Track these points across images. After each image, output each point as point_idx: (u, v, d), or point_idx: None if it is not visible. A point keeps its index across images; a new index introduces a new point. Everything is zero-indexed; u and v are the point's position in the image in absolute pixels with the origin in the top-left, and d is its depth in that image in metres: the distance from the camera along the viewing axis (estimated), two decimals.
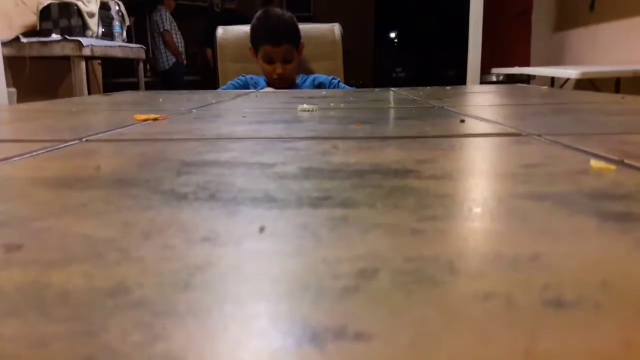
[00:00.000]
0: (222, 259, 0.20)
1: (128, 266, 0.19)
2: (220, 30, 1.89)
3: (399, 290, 0.17)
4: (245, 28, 1.86)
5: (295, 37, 1.68)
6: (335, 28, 1.87)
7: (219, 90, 1.72)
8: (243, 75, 1.75)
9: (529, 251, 0.20)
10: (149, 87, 4.40)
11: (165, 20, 4.96)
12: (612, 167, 0.35)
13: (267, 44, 1.64)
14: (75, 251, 0.21)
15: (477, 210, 0.26)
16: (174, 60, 5.04)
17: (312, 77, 1.76)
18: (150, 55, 5.02)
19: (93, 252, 0.21)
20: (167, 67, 5.05)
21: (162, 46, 5.01)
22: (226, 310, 0.16)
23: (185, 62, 5.14)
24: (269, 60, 1.66)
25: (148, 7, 5.17)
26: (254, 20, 1.70)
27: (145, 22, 5.58)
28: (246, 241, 0.22)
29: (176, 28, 5.03)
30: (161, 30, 4.93)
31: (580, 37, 3.95)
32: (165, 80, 4.99)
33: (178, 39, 5.05)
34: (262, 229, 0.23)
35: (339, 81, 1.75)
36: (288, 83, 1.70)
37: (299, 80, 1.74)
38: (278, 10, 1.75)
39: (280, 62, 1.65)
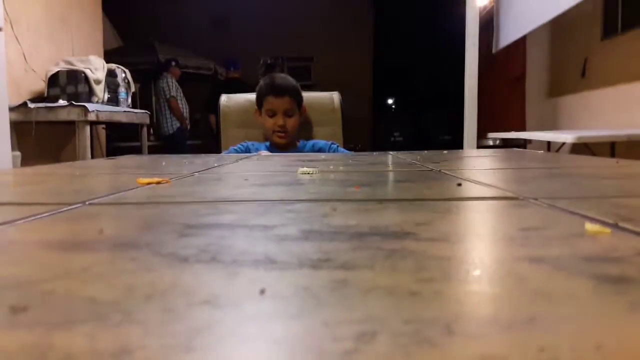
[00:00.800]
0: (222, 322, 0.20)
1: (130, 328, 0.19)
2: (224, 98, 1.97)
3: (398, 352, 0.17)
4: (248, 96, 1.94)
5: (297, 93, 1.77)
6: (335, 96, 1.95)
7: (222, 154, 1.76)
8: (245, 142, 1.80)
9: (525, 314, 0.20)
10: (153, 151, 4.48)
11: (172, 87, 5.14)
12: (607, 230, 0.35)
13: (271, 95, 1.74)
14: (79, 313, 0.21)
15: (475, 273, 0.26)
16: (178, 125, 5.17)
17: (311, 142, 1.81)
18: (155, 120, 5.16)
19: (96, 315, 0.21)
20: (171, 131, 5.18)
21: (167, 112, 5.16)
22: None
23: (189, 127, 5.27)
24: (272, 114, 1.73)
25: (154, 74, 5.37)
26: (260, 83, 1.81)
27: (150, 88, 5.77)
28: (247, 303, 0.22)
29: (181, 94, 5.21)
30: (167, 97, 5.10)
31: (573, 102, 4.06)
32: (169, 144, 5.10)
33: (183, 105, 5.21)
34: (262, 291, 0.23)
35: (337, 146, 1.80)
36: (289, 140, 1.75)
37: (299, 145, 1.79)
38: (282, 74, 1.88)
39: (282, 114, 1.72)
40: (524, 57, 4.81)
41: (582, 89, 3.86)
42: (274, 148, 1.77)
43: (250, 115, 1.88)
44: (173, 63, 5.26)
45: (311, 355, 0.17)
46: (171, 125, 5.16)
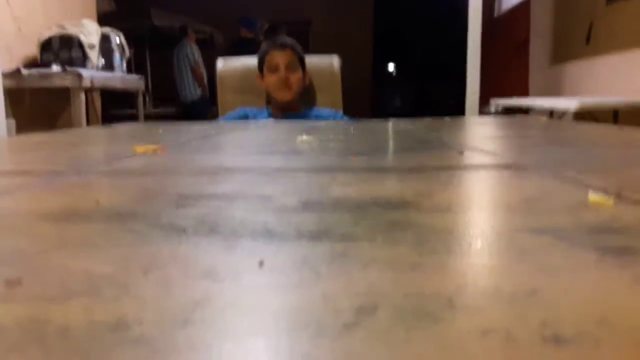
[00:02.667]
0: (221, 295, 0.20)
1: (127, 302, 0.19)
2: (220, 63, 1.92)
3: (399, 326, 0.17)
4: (246, 60, 1.90)
5: (300, 51, 1.75)
6: (334, 59, 1.91)
7: (218, 120, 1.74)
8: (242, 108, 1.77)
9: (527, 286, 0.20)
10: (173, 118, 4.43)
11: (195, 52, 5.10)
12: (610, 200, 0.35)
13: (273, 49, 1.72)
14: (75, 286, 0.21)
15: (476, 244, 0.26)
16: (200, 92, 5.14)
17: (315, 110, 1.78)
18: (176, 87, 5.13)
19: (92, 287, 0.21)
20: (194, 98, 5.15)
21: (190, 78, 5.12)
22: (226, 347, 0.16)
23: (208, 94, 5.23)
24: (274, 68, 1.70)
25: (174, 41, 5.30)
26: (261, 46, 1.79)
27: (145, 54, 5.69)
28: (246, 276, 0.22)
29: (202, 60, 5.16)
30: (192, 63, 5.05)
31: (578, 69, 4.02)
32: (191, 112, 5.08)
33: (203, 71, 5.17)
34: (261, 263, 0.23)
35: (342, 115, 1.77)
36: (293, 97, 1.71)
37: (302, 110, 1.76)
38: None
39: (286, 68, 1.69)
40: (528, 23, 4.73)
41: (587, 55, 3.81)
42: (275, 114, 1.74)
43: (248, 82, 1.85)
44: (189, 30, 5.21)
45: (310, 328, 0.17)
46: (195, 92, 5.14)
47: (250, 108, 1.77)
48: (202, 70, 5.16)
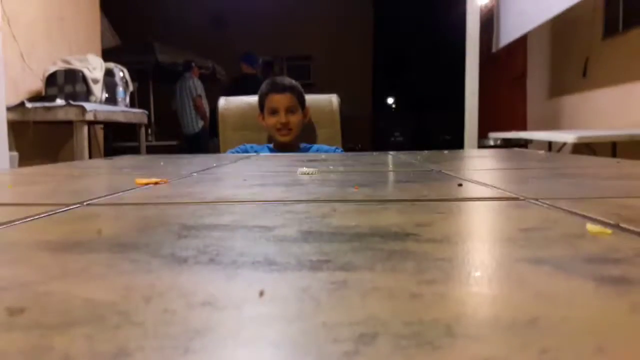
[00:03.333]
0: (221, 324, 0.20)
1: (129, 330, 0.19)
2: (222, 101, 1.96)
3: (399, 354, 0.17)
4: (247, 99, 1.94)
5: (299, 91, 1.77)
6: (333, 98, 1.96)
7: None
8: (244, 144, 1.80)
9: (527, 315, 0.20)
10: (175, 150, 4.46)
11: (198, 86, 5.22)
12: (609, 231, 0.35)
13: (272, 92, 1.74)
14: (77, 315, 0.21)
15: (476, 274, 0.26)
16: (202, 124, 5.23)
17: (315, 147, 1.80)
18: (179, 119, 5.23)
19: (94, 316, 0.21)
20: (196, 130, 5.23)
21: (192, 111, 5.22)
22: None
23: (209, 127, 5.30)
24: (274, 112, 1.73)
25: (177, 75, 5.41)
26: (261, 86, 1.81)
27: (148, 88, 5.77)
28: (246, 305, 0.22)
29: (204, 94, 5.26)
30: (194, 96, 5.15)
31: (575, 102, 4.06)
32: (193, 143, 5.15)
33: (205, 104, 5.27)
34: (261, 293, 0.23)
35: (341, 151, 1.79)
36: (292, 138, 1.73)
37: (301, 148, 1.78)
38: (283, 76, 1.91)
39: (285, 111, 1.72)
40: (525, 57, 4.81)
41: (584, 89, 3.86)
42: (276, 150, 1.76)
43: (249, 119, 1.88)
44: (193, 64, 5.33)
45: (311, 358, 0.17)
46: (196, 124, 5.22)
47: (251, 145, 1.79)
48: (204, 103, 5.24)
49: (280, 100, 1.72)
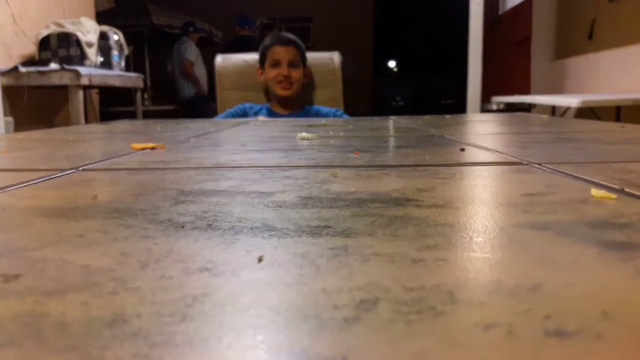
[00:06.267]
0: (220, 289, 0.20)
1: (125, 296, 0.19)
2: (219, 59, 1.91)
3: (400, 321, 0.17)
4: (245, 56, 1.89)
5: (302, 48, 1.74)
6: (335, 56, 1.90)
7: (215, 119, 1.72)
8: (242, 104, 1.77)
9: (530, 281, 0.20)
10: (172, 115, 4.43)
11: (191, 51, 5.09)
12: (613, 195, 0.35)
13: (276, 44, 1.71)
14: (73, 281, 0.20)
15: (478, 239, 0.26)
16: (194, 89, 5.13)
17: (315, 108, 1.77)
18: (176, 84, 5.15)
19: (90, 282, 0.20)
20: (188, 95, 5.14)
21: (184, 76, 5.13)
22: (224, 342, 0.15)
23: (206, 91, 5.19)
24: (276, 64, 1.70)
25: (173, 38, 5.31)
26: (264, 40, 1.78)
27: (144, 52, 5.68)
28: (245, 271, 0.22)
29: (201, 60, 5.13)
30: (182, 59, 5.03)
31: (580, 65, 4.01)
32: (187, 109, 5.07)
33: (201, 71, 5.14)
34: (260, 259, 0.23)
35: (342, 113, 1.76)
36: (293, 93, 1.71)
37: (303, 109, 1.76)
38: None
39: (287, 64, 1.69)
40: (530, 19, 4.72)
41: (589, 51, 3.80)
42: (275, 111, 1.73)
43: (247, 78, 1.84)
44: (191, 28, 5.20)
45: (310, 323, 0.16)
46: (188, 89, 5.12)
47: (249, 104, 1.77)
48: (199, 69, 5.13)
49: (283, 52, 1.69)
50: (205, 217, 0.31)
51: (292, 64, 1.69)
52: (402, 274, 0.21)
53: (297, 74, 1.70)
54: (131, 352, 0.15)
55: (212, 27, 6.36)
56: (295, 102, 1.74)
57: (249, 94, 1.84)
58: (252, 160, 0.60)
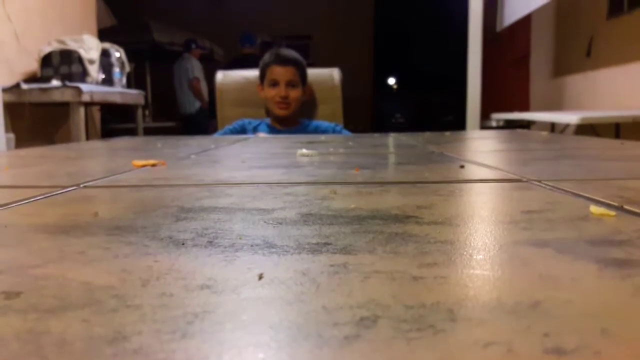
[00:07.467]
0: (220, 307, 0.20)
1: (126, 313, 0.19)
2: (220, 76, 1.92)
3: (400, 338, 0.17)
4: (245, 73, 1.90)
5: (302, 65, 1.74)
6: (335, 72, 1.91)
7: (215, 135, 1.73)
8: (240, 119, 1.77)
9: (529, 298, 0.20)
10: (172, 132, 4.45)
11: (195, 68, 5.19)
12: (612, 213, 0.35)
13: (275, 64, 1.71)
14: (74, 298, 0.21)
15: (478, 257, 0.26)
16: (199, 105, 5.22)
17: (315, 123, 1.78)
18: (176, 100, 5.22)
19: (91, 300, 0.20)
20: (192, 111, 5.22)
21: (189, 91, 5.21)
22: (225, 359, 0.16)
23: (207, 107, 5.27)
24: (274, 83, 1.70)
25: (174, 55, 5.38)
26: (264, 57, 1.78)
27: (145, 69, 5.72)
28: (245, 288, 0.22)
29: (203, 75, 5.22)
30: (190, 77, 5.13)
31: (578, 82, 4.03)
32: (189, 124, 5.14)
33: (204, 86, 5.24)
34: (261, 276, 0.23)
35: (341, 128, 1.77)
36: (290, 113, 1.71)
37: (301, 124, 1.76)
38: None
39: (285, 84, 1.69)
40: (529, 37, 4.76)
41: (587, 69, 3.83)
42: (274, 126, 1.74)
43: (247, 94, 1.85)
44: (193, 45, 5.27)
45: (311, 341, 0.17)
46: (192, 105, 5.20)
47: (248, 120, 1.77)
48: (202, 84, 5.21)
49: (282, 72, 1.70)
50: (205, 234, 0.31)
51: (290, 84, 1.70)
52: (402, 291, 0.21)
53: (295, 93, 1.71)
54: None
55: (213, 45, 6.42)
56: (293, 120, 1.75)
57: (249, 110, 1.85)
58: (252, 177, 0.60)
